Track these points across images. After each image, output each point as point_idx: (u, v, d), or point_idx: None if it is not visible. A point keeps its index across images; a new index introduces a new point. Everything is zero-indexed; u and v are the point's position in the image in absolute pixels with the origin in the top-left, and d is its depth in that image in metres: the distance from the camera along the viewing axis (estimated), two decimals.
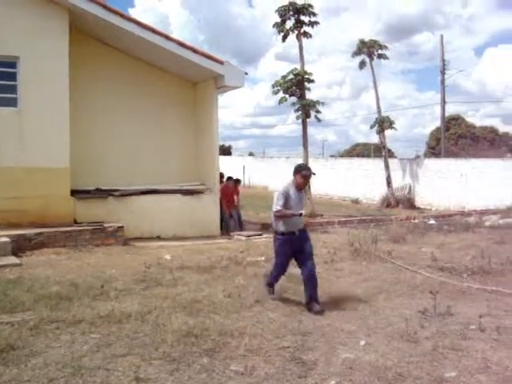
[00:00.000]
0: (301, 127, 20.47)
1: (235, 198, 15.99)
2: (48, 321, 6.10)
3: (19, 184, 11.82)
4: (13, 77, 12.17)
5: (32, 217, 11.68)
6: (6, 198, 11.63)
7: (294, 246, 7.13)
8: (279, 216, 6.99)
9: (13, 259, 9.85)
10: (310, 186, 19.18)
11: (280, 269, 7.34)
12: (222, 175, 15.79)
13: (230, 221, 15.24)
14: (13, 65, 12.16)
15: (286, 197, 6.93)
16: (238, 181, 16.68)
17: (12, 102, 12.17)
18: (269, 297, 7.33)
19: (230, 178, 16.22)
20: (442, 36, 34.63)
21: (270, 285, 7.44)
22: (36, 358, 5.03)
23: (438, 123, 43.04)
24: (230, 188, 15.89)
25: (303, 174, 6.99)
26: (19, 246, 10.58)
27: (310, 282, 6.99)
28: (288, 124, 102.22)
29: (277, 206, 6.90)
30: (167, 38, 13.60)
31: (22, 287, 7.67)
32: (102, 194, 13.15)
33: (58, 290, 7.53)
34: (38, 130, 12.12)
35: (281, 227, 7.10)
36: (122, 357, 5.10)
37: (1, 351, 5.08)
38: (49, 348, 5.31)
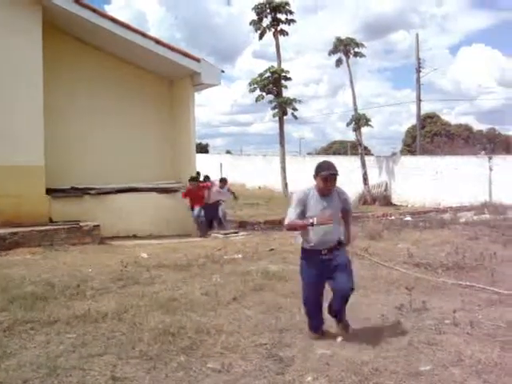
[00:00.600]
0: (278, 125, 20.51)
1: (205, 196, 15.05)
2: (23, 321, 6.03)
3: None
4: None
5: (6, 216, 11.52)
6: None
7: (320, 269, 5.46)
8: (289, 229, 5.66)
9: None
10: (287, 184, 19.20)
11: (308, 302, 5.71)
12: (198, 174, 15.63)
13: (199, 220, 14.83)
14: None
15: (304, 204, 5.42)
16: (223, 180, 16.33)
17: None
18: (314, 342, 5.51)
19: (207, 177, 16.07)
20: (417, 35, 35.15)
21: (312, 328, 5.70)
22: (10, 359, 4.97)
23: (414, 121, 43.55)
24: (193, 189, 14.68)
25: (322, 175, 5.48)
26: None
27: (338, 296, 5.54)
28: (265, 122, 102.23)
29: (289, 216, 5.41)
30: (144, 35, 13.56)
31: None
32: (77, 192, 13.07)
33: (33, 289, 7.44)
34: (10, 127, 11.95)
35: (302, 243, 5.58)
36: (99, 356, 5.06)
37: None
38: (23, 349, 5.25)
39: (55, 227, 11.70)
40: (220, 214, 15.38)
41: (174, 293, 7.39)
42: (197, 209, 14.34)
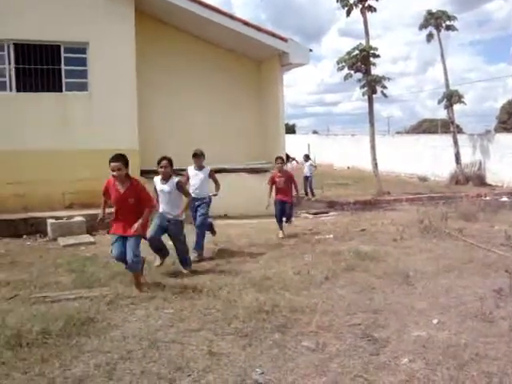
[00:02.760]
0: (366, 104, 20.09)
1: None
2: (123, 296, 6.32)
3: (91, 165, 12.20)
4: (83, 62, 12.53)
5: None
6: (79, 179, 12.09)
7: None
8: None
9: (88, 238, 10.25)
10: (376, 164, 18.86)
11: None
12: (288, 157, 15.86)
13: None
14: (83, 50, 12.52)
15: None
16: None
17: (83, 87, 12.56)
18: None
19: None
20: None
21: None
22: (114, 330, 5.24)
23: (510, 96, 41.43)
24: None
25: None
26: (93, 225, 10.94)
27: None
28: (352, 101, 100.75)
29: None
30: (231, 17, 13.64)
31: (98, 264, 7.98)
32: None
33: None
34: (107, 112, 12.50)
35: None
36: (196, 331, 5.22)
37: (82, 324, 5.32)
38: (125, 322, 5.51)
39: None
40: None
41: (267, 272, 7.48)
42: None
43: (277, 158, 10.85)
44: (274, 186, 10.73)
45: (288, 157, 16.28)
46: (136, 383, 4.13)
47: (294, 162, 22.92)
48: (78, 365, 4.44)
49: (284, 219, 10.73)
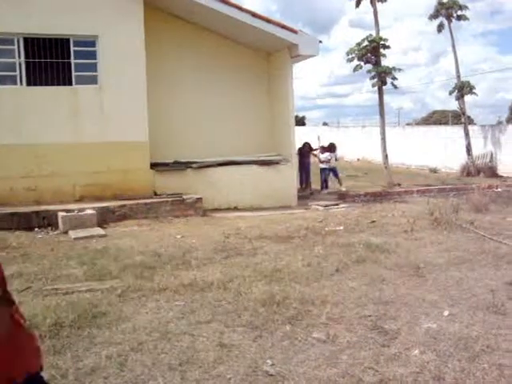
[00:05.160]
0: (376, 95, 19.97)
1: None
2: (134, 288, 6.36)
3: (101, 158, 12.29)
4: (93, 55, 12.56)
5: (114, 190, 12.16)
6: (89, 172, 12.15)
7: None
8: None
9: (98, 230, 10.29)
10: (387, 156, 18.78)
11: None
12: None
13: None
14: (92, 43, 12.54)
15: None
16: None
17: (93, 80, 12.59)
18: None
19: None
20: None
21: None
22: (125, 322, 5.27)
23: None
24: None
25: None
26: (104, 218, 11.04)
27: None
28: (363, 92, 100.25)
29: None
30: (240, 8, 13.57)
31: (109, 257, 8.02)
32: (180, 166, 13.43)
33: (142, 259, 7.82)
34: (117, 105, 12.53)
35: None
36: (206, 323, 5.24)
37: (93, 316, 5.36)
38: (136, 314, 5.54)
39: (160, 200, 12.15)
40: None
41: (277, 263, 7.49)
42: None
43: None
44: None
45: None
46: (147, 374, 4.16)
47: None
48: (90, 356, 4.48)
49: None
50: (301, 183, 17.33)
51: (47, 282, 6.69)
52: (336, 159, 18.45)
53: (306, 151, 17.83)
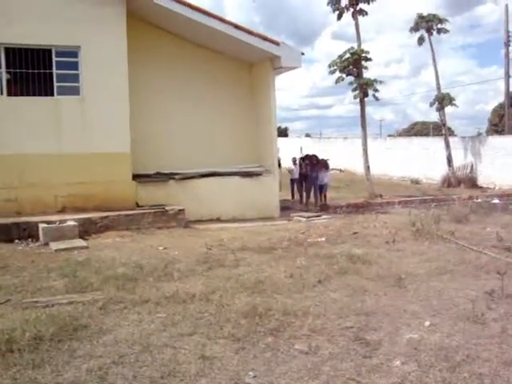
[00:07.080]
0: (358, 107, 20.13)
1: None
2: (116, 301, 6.31)
3: (83, 169, 12.22)
4: (75, 66, 12.50)
5: (96, 201, 12.08)
6: (71, 183, 12.08)
7: None
8: None
9: (80, 242, 10.21)
10: (369, 167, 18.88)
11: None
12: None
13: None
14: (75, 54, 12.50)
15: None
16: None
17: (75, 91, 12.53)
18: None
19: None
20: (506, 6, 33.02)
21: None
22: (106, 335, 5.22)
23: (501, 99, 41.41)
24: None
25: None
26: (85, 229, 10.96)
27: None
28: (345, 104, 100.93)
29: None
30: (222, 20, 13.63)
31: (90, 268, 7.95)
32: (162, 177, 13.40)
33: (123, 271, 7.75)
34: (99, 116, 12.49)
35: None
36: (188, 335, 5.21)
37: (74, 328, 5.30)
38: (118, 326, 5.49)
39: (142, 211, 12.09)
40: None
41: (260, 275, 7.48)
42: None
43: None
44: None
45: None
46: None
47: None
48: (70, 370, 4.43)
49: None
50: (300, 196, 16.70)
51: (27, 295, 6.60)
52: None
53: (311, 164, 16.80)
